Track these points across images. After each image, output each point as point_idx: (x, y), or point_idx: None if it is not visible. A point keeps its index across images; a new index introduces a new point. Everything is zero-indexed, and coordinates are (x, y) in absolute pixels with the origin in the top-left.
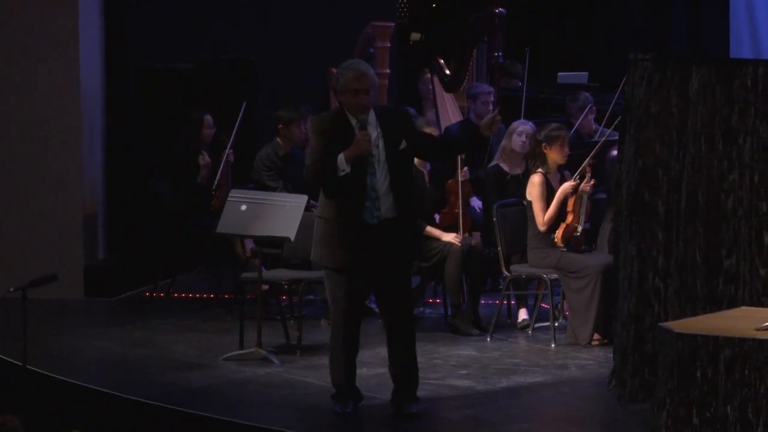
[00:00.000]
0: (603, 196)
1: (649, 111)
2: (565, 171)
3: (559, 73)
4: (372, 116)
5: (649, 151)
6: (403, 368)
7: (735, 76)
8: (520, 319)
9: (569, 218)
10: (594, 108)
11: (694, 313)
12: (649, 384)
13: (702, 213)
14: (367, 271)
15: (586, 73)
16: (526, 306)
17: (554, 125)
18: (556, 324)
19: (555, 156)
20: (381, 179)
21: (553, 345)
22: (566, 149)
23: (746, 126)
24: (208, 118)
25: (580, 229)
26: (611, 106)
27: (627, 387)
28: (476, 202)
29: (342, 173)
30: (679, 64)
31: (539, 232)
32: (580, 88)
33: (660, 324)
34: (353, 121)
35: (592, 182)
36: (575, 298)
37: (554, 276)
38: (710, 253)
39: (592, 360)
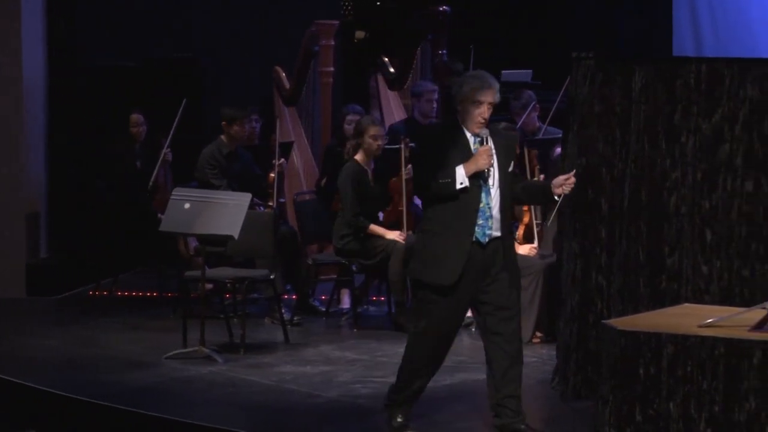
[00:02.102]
0: None
1: (592, 110)
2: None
3: (503, 71)
4: (485, 131)
5: (592, 150)
6: (516, 391)
7: (677, 75)
8: None
9: (526, 218)
10: (537, 106)
11: (637, 311)
12: (592, 381)
13: (645, 211)
14: (472, 290)
15: (530, 71)
16: None
17: (504, 125)
18: None
19: None
20: (495, 197)
21: None
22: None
23: (689, 124)
24: (135, 117)
25: (536, 223)
26: (555, 105)
27: (570, 384)
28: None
29: (461, 186)
30: (622, 63)
31: None
32: (523, 86)
33: (603, 321)
34: (467, 134)
35: (541, 177)
36: None
37: None
38: (653, 251)
39: (536, 357)
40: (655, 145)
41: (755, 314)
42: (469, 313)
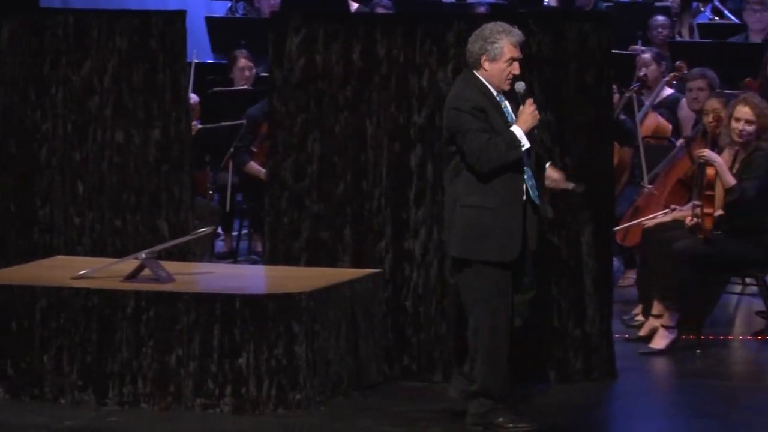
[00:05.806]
0: None
1: None
2: None
3: None
4: (521, 84)
5: None
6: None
7: (46, 27)
8: None
9: None
10: None
11: (10, 264)
12: None
13: (15, 163)
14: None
15: None
16: None
17: None
18: None
19: None
20: (532, 156)
21: None
22: None
23: (58, 76)
24: None
25: None
26: None
27: None
28: None
29: (525, 147)
30: None
31: None
32: None
33: None
34: (493, 92)
35: None
36: None
37: None
38: (24, 203)
39: None
40: (24, 96)
41: (128, 265)
42: None
